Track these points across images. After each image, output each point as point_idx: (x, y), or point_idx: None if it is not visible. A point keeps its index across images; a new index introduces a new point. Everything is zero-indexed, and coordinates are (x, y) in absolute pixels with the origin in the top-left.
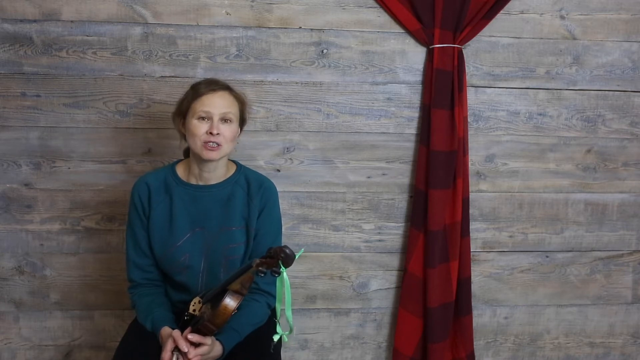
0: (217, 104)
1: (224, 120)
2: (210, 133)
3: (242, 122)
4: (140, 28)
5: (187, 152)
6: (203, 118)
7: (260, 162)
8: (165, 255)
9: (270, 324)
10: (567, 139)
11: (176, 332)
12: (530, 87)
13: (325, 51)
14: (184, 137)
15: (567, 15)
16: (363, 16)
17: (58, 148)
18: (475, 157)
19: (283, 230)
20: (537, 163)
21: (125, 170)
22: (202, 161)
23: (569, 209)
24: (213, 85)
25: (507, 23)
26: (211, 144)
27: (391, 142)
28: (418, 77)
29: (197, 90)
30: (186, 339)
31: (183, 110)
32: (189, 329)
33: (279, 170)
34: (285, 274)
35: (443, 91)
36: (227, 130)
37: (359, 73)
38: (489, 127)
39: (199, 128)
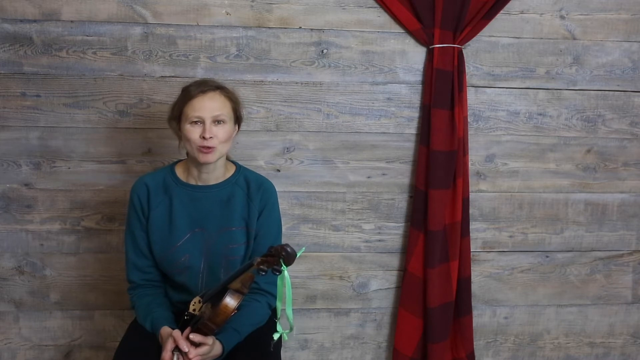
0: (207, 107)
1: (217, 121)
2: (203, 137)
3: (238, 120)
4: (140, 28)
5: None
6: (195, 122)
7: (260, 162)
8: (165, 256)
9: (270, 324)
10: (567, 139)
11: (176, 332)
12: (530, 87)
13: (325, 51)
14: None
15: (567, 15)
16: (363, 16)
17: (58, 148)
18: (475, 157)
19: (283, 230)
20: (537, 163)
21: (125, 170)
22: (199, 163)
23: (569, 209)
24: (202, 86)
25: (507, 23)
26: (205, 148)
27: (391, 142)
28: (418, 77)
29: (187, 93)
30: (187, 339)
31: (176, 115)
32: (189, 328)
33: (279, 170)
34: (286, 272)
35: (443, 91)
36: (221, 132)
37: (359, 73)
38: (489, 127)
39: (192, 133)
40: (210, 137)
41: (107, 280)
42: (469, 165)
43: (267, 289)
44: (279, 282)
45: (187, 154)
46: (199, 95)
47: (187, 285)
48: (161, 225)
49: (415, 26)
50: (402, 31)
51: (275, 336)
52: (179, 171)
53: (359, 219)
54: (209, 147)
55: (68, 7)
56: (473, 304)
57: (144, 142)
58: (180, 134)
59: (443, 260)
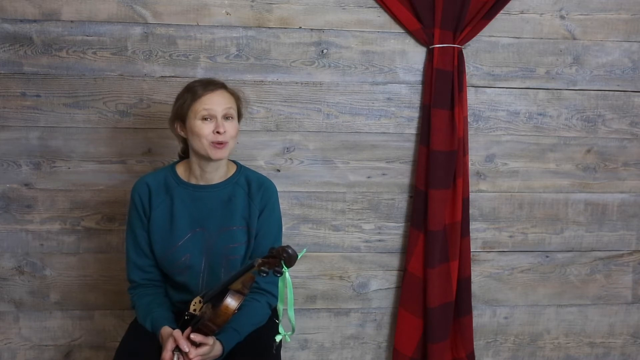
0: (218, 102)
1: (226, 117)
2: (218, 132)
3: (240, 117)
4: (140, 28)
5: (184, 154)
6: (206, 118)
7: (260, 162)
8: (165, 255)
9: (270, 324)
10: (567, 139)
11: (177, 332)
12: (530, 87)
13: (325, 51)
14: (182, 140)
15: (567, 15)
16: (363, 16)
17: (58, 148)
18: (475, 157)
19: (283, 230)
20: (537, 163)
21: (125, 170)
22: (206, 161)
23: (569, 209)
24: (210, 85)
25: (507, 23)
26: (219, 143)
27: (391, 142)
28: (418, 77)
29: (196, 91)
30: (187, 339)
31: (182, 114)
32: (189, 328)
33: (279, 170)
34: (287, 274)
35: (443, 91)
36: (231, 127)
37: (359, 73)
38: (489, 127)
39: (204, 128)
40: (224, 132)
41: (107, 280)
42: (469, 165)
43: (267, 289)
44: (280, 283)
45: (190, 154)
46: (208, 93)
47: (187, 285)
48: (162, 225)
49: (415, 26)
50: (402, 31)
51: (278, 338)
52: (180, 171)
53: (359, 219)
54: (221, 143)
55: (68, 7)
56: (473, 304)
57: (144, 142)
58: (182, 135)
59: (443, 260)
